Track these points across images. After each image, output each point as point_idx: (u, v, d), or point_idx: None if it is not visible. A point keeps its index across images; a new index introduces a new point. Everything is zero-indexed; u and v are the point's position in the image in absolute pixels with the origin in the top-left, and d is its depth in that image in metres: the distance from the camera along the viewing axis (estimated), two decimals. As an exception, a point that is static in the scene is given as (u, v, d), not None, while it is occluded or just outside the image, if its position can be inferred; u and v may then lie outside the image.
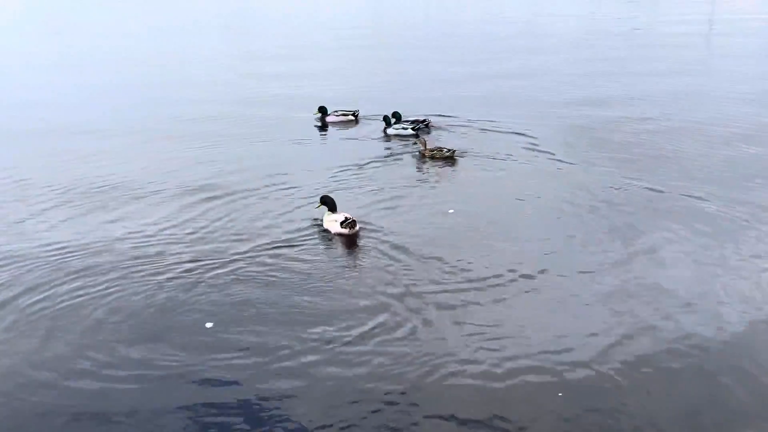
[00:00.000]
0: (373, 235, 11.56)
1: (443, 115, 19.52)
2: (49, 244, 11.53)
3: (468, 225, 11.84)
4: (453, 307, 9.15)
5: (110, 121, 20.50)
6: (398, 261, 10.51)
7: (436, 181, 14.22)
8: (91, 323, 9.12)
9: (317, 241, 11.54)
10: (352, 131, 18.69)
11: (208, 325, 8.95)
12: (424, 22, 42.16)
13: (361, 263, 10.59)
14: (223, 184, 14.20)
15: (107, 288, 9.98)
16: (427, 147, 15.73)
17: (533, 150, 16.06)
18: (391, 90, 24.06)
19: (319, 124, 19.18)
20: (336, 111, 19.37)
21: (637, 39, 33.13)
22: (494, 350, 8.18)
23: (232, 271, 10.42)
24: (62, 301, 9.66)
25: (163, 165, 15.84)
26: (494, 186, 13.88)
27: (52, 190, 14.22)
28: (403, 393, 7.53)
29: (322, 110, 19.38)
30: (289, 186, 14.02)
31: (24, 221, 12.64)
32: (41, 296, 9.83)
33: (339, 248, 11.25)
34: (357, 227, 11.68)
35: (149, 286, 10.00)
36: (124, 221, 12.49)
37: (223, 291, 9.83)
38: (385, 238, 11.38)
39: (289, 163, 15.45)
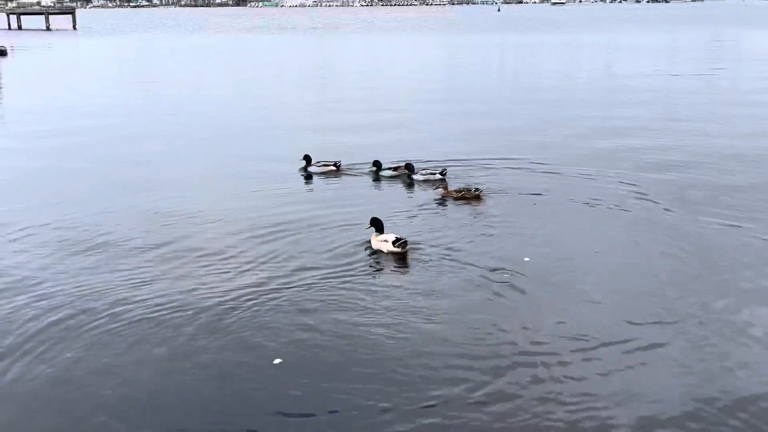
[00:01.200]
0: (445, 278, 11.05)
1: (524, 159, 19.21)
2: (114, 273, 11.57)
3: (550, 276, 11.17)
4: (546, 366, 8.50)
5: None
6: (479, 312, 9.93)
7: (507, 227, 13.55)
8: (150, 355, 8.91)
9: (373, 268, 11.58)
10: (353, 181, 17.77)
11: (277, 361, 8.68)
12: (499, 81, 42.23)
13: (435, 306, 10.10)
14: (278, 224, 13.93)
15: (164, 317, 9.83)
16: (449, 189, 15.77)
17: (615, 197, 15.41)
18: (467, 140, 23.70)
19: (303, 173, 18.57)
20: (318, 162, 18.78)
21: (721, 99, 32.30)
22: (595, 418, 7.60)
23: (293, 302, 10.23)
24: (121, 332, 9.48)
25: (228, 202, 15.67)
26: (572, 233, 13.19)
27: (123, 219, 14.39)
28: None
29: (307, 159, 18.82)
30: (339, 224, 13.81)
31: (91, 251, 12.62)
32: (98, 325, 9.69)
33: (400, 279, 11.07)
34: (407, 246, 11.94)
35: (210, 318, 9.81)
36: (182, 252, 12.50)
37: (288, 324, 9.59)
38: (464, 282, 10.93)
39: (327, 215, 14.63)
